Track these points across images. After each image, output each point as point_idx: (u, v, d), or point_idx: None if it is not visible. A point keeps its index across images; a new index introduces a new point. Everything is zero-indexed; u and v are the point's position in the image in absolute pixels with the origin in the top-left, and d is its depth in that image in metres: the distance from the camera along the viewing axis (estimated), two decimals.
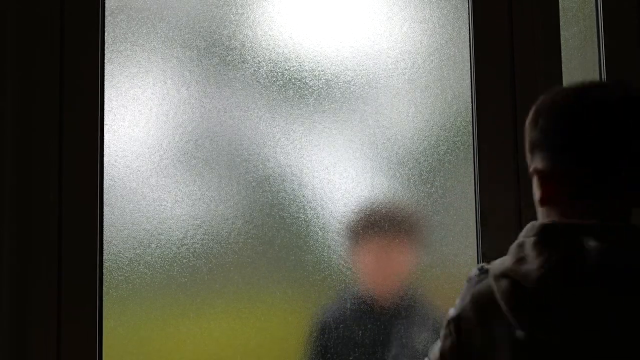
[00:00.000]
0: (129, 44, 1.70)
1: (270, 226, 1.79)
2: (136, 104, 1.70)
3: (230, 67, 1.86)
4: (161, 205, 1.66)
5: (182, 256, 1.65)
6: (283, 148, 1.90)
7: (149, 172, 1.67)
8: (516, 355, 0.97)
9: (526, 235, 1.00)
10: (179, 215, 1.67)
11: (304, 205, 1.88)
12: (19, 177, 1.52)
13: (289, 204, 1.84)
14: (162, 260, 1.63)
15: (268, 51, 1.93)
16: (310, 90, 1.81)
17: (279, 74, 1.95)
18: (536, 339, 0.96)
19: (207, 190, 1.73)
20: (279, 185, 1.84)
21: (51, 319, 1.49)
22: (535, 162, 1.06)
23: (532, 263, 0.95)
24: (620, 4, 1.77)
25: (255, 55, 1.92)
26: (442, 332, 1.08)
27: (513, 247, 1.01)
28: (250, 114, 1.87)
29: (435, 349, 1.11)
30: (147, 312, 1.59)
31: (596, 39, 1.81)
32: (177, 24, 1.78)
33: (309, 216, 1.84)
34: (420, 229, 2.20)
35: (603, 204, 1.01)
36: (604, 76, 1.78)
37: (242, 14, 1.89)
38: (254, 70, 1.90)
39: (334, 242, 1.95)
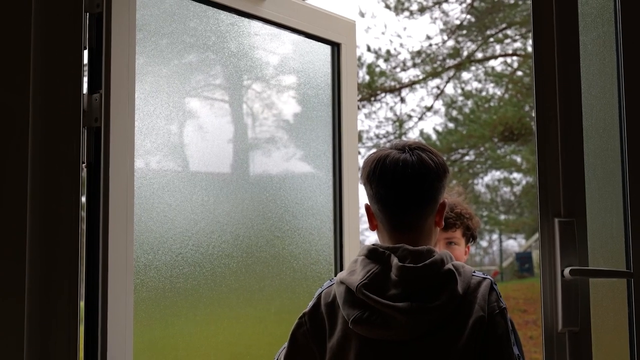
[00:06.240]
0: (151, 76, 1.81)
1: (243, 240, 1.98)
2: (151, 126, 1.83)
3: (220, 107, 1.96)
4: (166, 216, 1.77)
5: (178, 264, 1.77)
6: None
7: (157, 184, 1.78)
8: (347, 334, 1.34)
9: (359, 254, 1.40)
10: (176, 227, 1.79)
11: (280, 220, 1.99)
12: (51, 189, 1.49)
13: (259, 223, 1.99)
14: (165, 265, 1.76)
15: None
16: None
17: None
18: (357, 328, 1.32)
19: (197, 209, 1.88)
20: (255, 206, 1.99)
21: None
22: (368, 201, 1.44)
23: (358, 275, 1.34)
24: (639, 9, 1.74)
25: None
26: (295, 324, 1.40)
27: (351, 262, 1.40)
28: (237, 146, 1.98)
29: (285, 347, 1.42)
30: (151, 313, 1.69)
31: (615, 44, 1.79)
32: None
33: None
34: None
35: (406, 235, 1.39)
36: (622, 80, 1.75)
37: (229, 64, 1.99)
38: (237, 110, 2.00)
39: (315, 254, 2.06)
